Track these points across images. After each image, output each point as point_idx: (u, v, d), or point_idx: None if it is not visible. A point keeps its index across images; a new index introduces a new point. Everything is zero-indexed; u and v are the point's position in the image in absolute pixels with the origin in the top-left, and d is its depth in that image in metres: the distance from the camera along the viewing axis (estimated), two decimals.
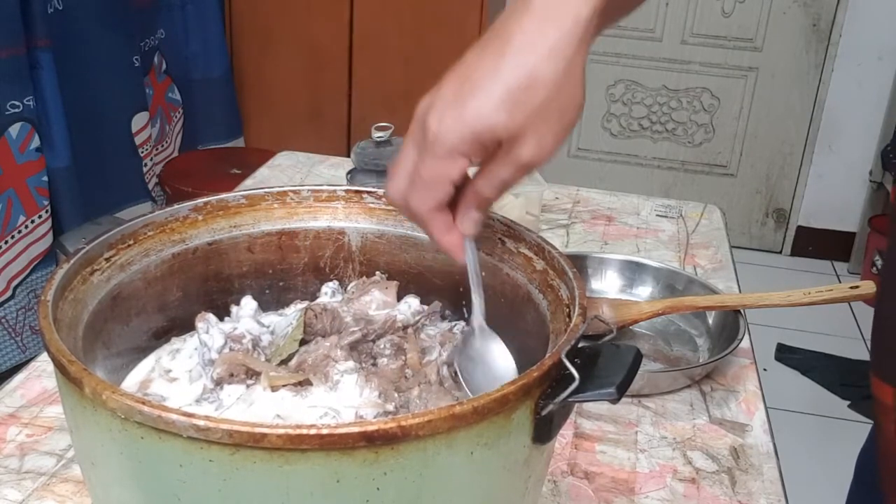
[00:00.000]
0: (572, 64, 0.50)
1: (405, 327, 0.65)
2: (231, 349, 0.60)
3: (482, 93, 0.50)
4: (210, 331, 0.62)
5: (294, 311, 0.67)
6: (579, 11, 0.50)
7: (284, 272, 0.69)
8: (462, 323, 0.67)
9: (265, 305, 0.68)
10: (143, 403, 0.42)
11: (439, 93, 0.52)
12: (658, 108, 3.20)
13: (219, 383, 0.57)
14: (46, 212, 2.13)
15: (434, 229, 0.56)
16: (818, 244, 3.23)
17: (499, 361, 0.58)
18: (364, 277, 0.70)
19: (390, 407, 0.55)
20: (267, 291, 0.69)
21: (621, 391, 0.47)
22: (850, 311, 2.82)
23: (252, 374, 0.58)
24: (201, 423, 0.41)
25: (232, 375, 0.58)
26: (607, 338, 0.52)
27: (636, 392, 0.85)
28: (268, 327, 0.64)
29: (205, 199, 0.66)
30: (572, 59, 0.50)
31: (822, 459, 2.14)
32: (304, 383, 0.57)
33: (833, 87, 3.02)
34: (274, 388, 0.55)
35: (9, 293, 2.08)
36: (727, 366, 0.91)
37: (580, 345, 0.50)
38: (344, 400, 0.55)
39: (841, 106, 3.04)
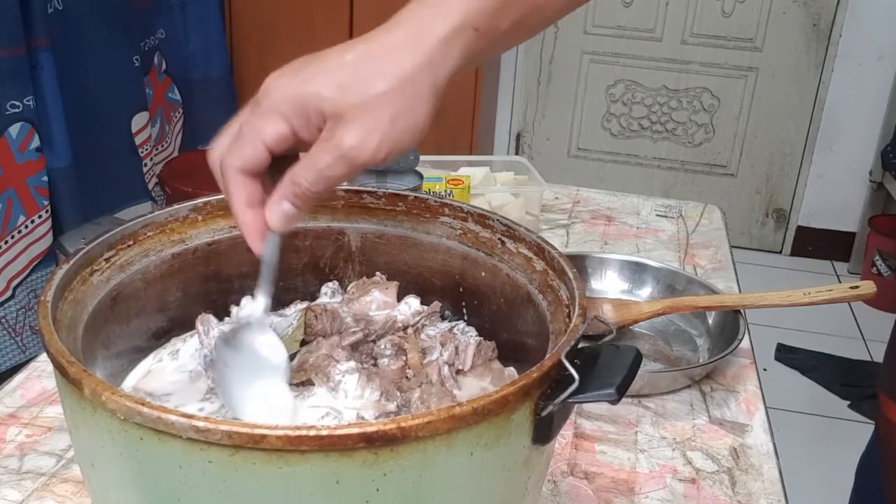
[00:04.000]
0: (418, 73, 0.48)
1: (405, 328, 0.65)
2: None
3: (322, 65, 0.49)
4: (210, 332, 0.62)
5: (294, 311, 0.67)
6: (436, 26, 0.49)
7: (284, 272, 0.69)
8: (462, 323, 0.68)
9: None
10: (143, 404, 0.42)
11: (289, 63, 0.51)
12: (658, 108, 3.20)
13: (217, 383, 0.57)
14: (46, 212, 2.13)
15: (233, 196, 0.50)
16: (818, 244, 3.23)
17: (265, 353, 0.54)
18: (364, 278, 0.70)
19: (392, 407, 0.55)
20: None
21: (621, 392, 0.47)
22: (850, 311, 2.82)
23: None
24: (201, 424, 0.41)
25: None
26: (607, 338, 0.52)
27: (636, 392, 0.85)
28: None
29: (205, 199, 0.66)
30: (419, 68, 0.48)
31: (822, 459, 2.14)
32: (305, 383, 0.57)
33: (833, 86, 3.02)
34: None
35: (9, 293, 2.08)
36: (727, 366, 0.91)
37: (580, 345, 0.50)
38: (346, 400, 0.55)
39: (841, 106, 3.03)
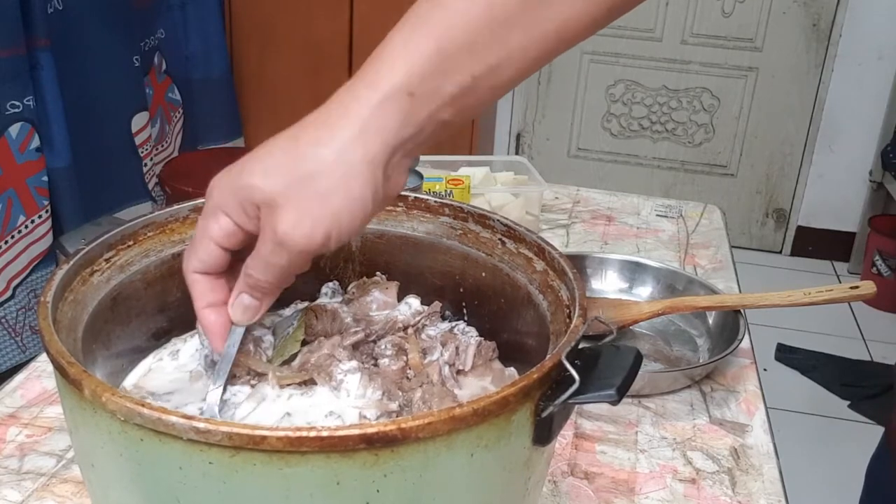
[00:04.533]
0: (348, 147, 0.46)
1: (406, 328, 0.65)
2: None
3: (255, 155, 0.48)
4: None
5: (294, 311, 0.67)
6: (368, 96, 0.47)
7: None
8: (462, 323, 0.67)
9: None
10: (143, 405, 0.42)
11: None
12: (658, 108, 3.20)
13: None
14: (46, 212, 2.13)
15: (194, 298, 0.52)
16: (818, 244, 3.23)
17: None
18: (364, 278, 0.70)
19: (394, 406, 0.55)
20: None
21: (621, 393, 0.47)
22: (850, 311, 2.82)
23: (255, 375, 0.58)
24: (201, 425, 0.41)
25: (235, 377, 0.58)
26: (607, 339, 0.52)
27: (636, 392, 0.85)
28: (268, 328, 0.64)
29: (205, 200, 0.66)
30: (349, 142, 0.46)
31: (822, 459, 2.14)
32: (308, 383, 0.57)
33: (833, 87, 3.02)
34: (282, 387, 0.56)
35: (9, 293, 2.08)
36: (727, 366, 0.91)
37: (580, 346, 0.50)
38: (348, 400, 0.55)
39: (841, 106, 3.03)
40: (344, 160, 0.46)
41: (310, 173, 0.46)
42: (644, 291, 1.04)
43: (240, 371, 0.58)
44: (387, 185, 0.49)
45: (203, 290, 0.52)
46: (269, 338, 0.63)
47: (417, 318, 0.65)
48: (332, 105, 0.48)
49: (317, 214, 0.46)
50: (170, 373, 0.62)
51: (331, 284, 0.70)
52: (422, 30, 0.48)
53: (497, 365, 0.64)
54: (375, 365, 0.61)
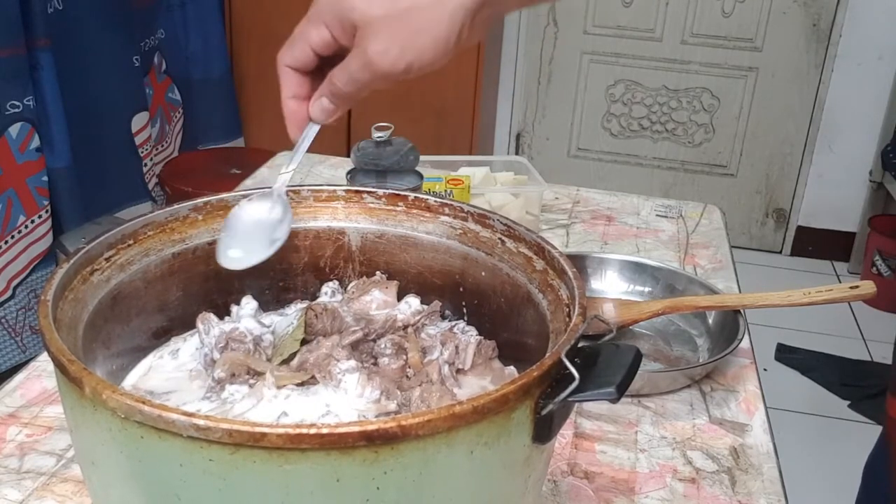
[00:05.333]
0: (448, 2, 0.51)
1: (405, 327, 0.65)
2: (232, 349, 0.60)
3: None
4: (211, 331, 0.62)
5: (294, 310, 0.67)
6: None
7: (284, 272, 0.69)
8: (462, 322, 0.68)
9: (265, 305, 0.68)
10: (143, 403, 0.42)
11: None
12: (658, 108, 3.20)
13: (220, 383, 0.57)
14: (46, 212, 2.13)
15: (283, 88, 0.57)
16: (818, 244, 3.23)
17: (272, 218, 0.59)
18: (364, 277, 0.70)
19: (393, 406, 0.55)
20: (267, 291, 0.69)
21: (621, 391, 0.47)
22: (850, 311, 2.82)
23: (254, 374, 0.58)
24: (201, 422, 0.41)
25: (234, 375, 0.58)
26: (607, 337, 0.52)
27: (636, 392, 0.85)
28: (269, 327, 0.64)
29: (205, 199, 0.66)
30: (456, 2, 0.51)
31: (822, 459, 2.14)
32: (307, 382, 0.57)
33: (833, 87, 3.02)
34: (279, 387, 0.56)
35: (9, 293, 2.08)
36: (727, 366, 0.91)
37: (580, 344, 0.50)
38: (347, 399, 0.55)
39: (841, 106, 3.03)
40: (442, 3, 0.51)
41: (408, 8, 0.51)
42: (644, 291, 1.04)
43: (239, 370, 0.59)
44: (470, 33, 0.53)
45: (291, 83, 0.57)
46: (268, 337, 0.63)
47: (417, 318, 0.65)
48: None
49: (405, 46, 0.52)
50: (169, 372, 0.62)
51: (331, 284, 0.70)
52: None
53: (497, 364, 0.64)
54: (375, 364, 0.61)
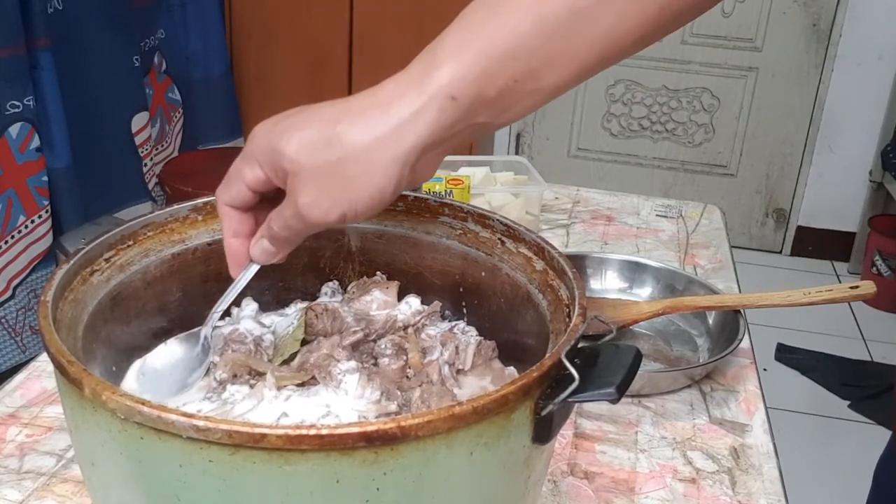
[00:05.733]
0: (379, 144, 0.49)
1: (406, 327, 0.65)
2: (233, 350, 0.60)
3: (296, 121, 0.51)
4: (214, 330, 0.62)
5: (295, 310, 0.67)
6: (408, 98, 0.49)
7: (284, 272, 0.69)
8: (462, 323, 0.68)
9: (265, 305, 0.68)
10: (143, 404, 0.42)
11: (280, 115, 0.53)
12: (658, 108, 3.20)
13: (222, 384, 0.57)
14: (46, 212, 2.13)
15: (223, 225, 0.57)
16: (818, 244, 3.23)
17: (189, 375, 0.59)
18: (364, 277, 0.70)
19: (393, 407, 0.55)
20: (267, 291, 0.69)
21: (621, 391, 0.47)
22: (850, 311, 2.82)
23: (255, 375, 0.58)
24: (201, 423, 0.41)
25: (235, 376, 0.58)
26: (607, 338, 0.52)
27: (636, 392, 0.85)
28: (269, 327, 0.64)
29: (205, 199, 0.66)
30: (382, 139, 0.49)
31: (822, 459, 2.14)
32: (307, 383, 0.57)
33: (833, 87, 3.02)
34: (280, 388, 0.56)
35: (9, 293, 2.08)
36: (727, 366, 0.91)
37: (580, 345, 0.50)
38: (347, 400, 0.55)
39: (841, 106, 3.03)
40: (373, 154, 0.49)
41: (339, 159, 0.49)
42: (644, 291, 1.04)
43: (240, 370, 0.58)
44: (412, 176, 0.51)
45: (231, 221, 0.56)
46: (269, 337, 0.63)
47: (417, 318, 0.65)
48: (377, 95, 0.50)
49: (336, 198, 0.50)
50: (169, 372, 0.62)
51: (331, 284, 0.70)
52: (471, 34, 0.49)
53: (497, 364, 0.64)
54: (375, 364, 0.61)
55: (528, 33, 0.49)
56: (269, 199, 0.55)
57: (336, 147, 0.49)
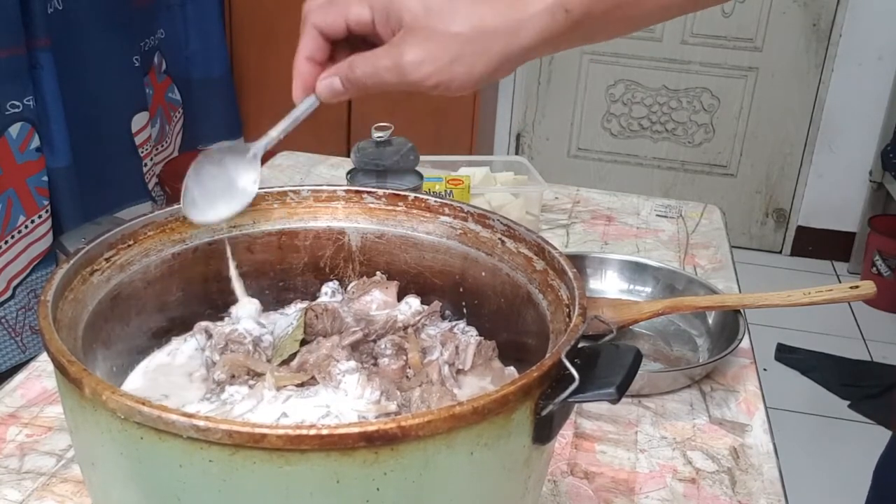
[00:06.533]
0: (495, 35, 0.51)
1: (405, 327, 0.65)
2: (231, 350, 0.60)
3: None
4: (215, 329, 0.62)
5: (294, 310, 0.67)
6: (531, 2, 0.51)
7: (284, 272, 0.69)
8: (462, 322, 0.68)
9: (265, 305, 0.68)
10: (143, 404, 0.42)
11: None
12: (658, 108, 3.20)
13: (220, 384, 0.57)
14: (46, 212, 2.13)
15: (301, 46, 0.56)
16: (818, 244, 3.23)
17: (241, 181, 0.58)
18: (364, 277, 0.70)
19: (393, 407, 0.55)
20: (267, 291, 0.69)
21: (621, 391, 0.47)
22: (850, 311, 2.82)
23: (254, 375, 0.58)
24: (201, 423, 0.41)
25: (234, 377, 0.58)
26: (607, 338, 0.52)
27: (636, 392, 0.85)
28: (268, 327, 0.64)
29: None
30: (498, 33, 0.51)
31: (822, 459, 2.14)
32: (307, 383, 0.57)
33: (833, 87, 3.02)
34: (279, 388, 0.56)
35: (9, 293, 2.08)
36: (727, 366, 0.91)
37: (580, 345, 0.50)
38: (347, 400, 0.55)
39: (841, 106, 3.03)
40: (489, 41, 0.51)
41: (455, 34, 0.51)
42: (644, 291, 1.04)
43: (238, 371, 0.58)
44: (499, 74, 0.53)
45: (311, 43, 0.55)
46: (268, 337, 0.63)
47: (417, 318, 0.65)
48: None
49: (440, 66, 0.51)
50: (169, 372, 0.62)
51: (331, 284, 0.70)
52: None
53: (497, 364, 0.64)
54: (375, 364, 0.61)
55: None
56: (349, 42, 0.55)
57: (460, 20, 0.50)
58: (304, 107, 0.57)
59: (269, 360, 0.61)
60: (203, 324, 0.63)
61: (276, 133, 0.58)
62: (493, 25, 0.51)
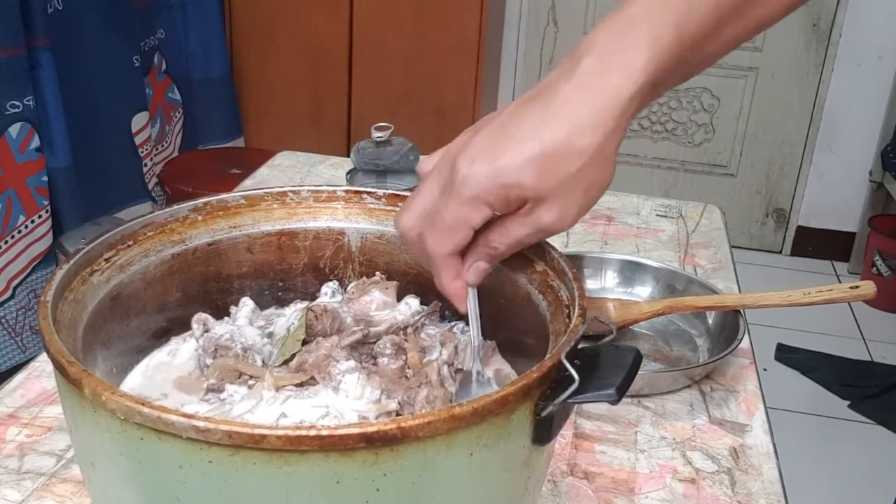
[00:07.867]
0: (608, 140, 0.50)
1: (405, 327, 0.65)
2: (221, 356, 0.60)
3: (518, 148, 0.50)
4: (205, 334, 0.62)
5: (294, 311, 0.67)
6: (622, 88, 0.50)
7: (284, 272, 0.69)
8: (462, 322, 0.67)
9: (265, 306, 0.68)
10: (143, 404, 0.42)
11: (475, 138, 0.52)
12: (658, 108, 3.20)
13: (210, 390, 0.58)
14: (46, 212, 2.13)
15: (444, 275, 0.56)
16: (818, 244, 3.23)
17: None
18: (364, 278, 0.70)
19: (393, 405, 0.55)
20: (266, 292, 0.69)
21: (621, 392, 0.47)
22: (850, 311, 2.82)
23: (248, 378, 0.58)
24: (201, 424, 0.41)
25: (222, 380, 0.58)
26: (607, 338, 0.52)
27: (636, 392, 0.85)
28: (262, 329, 0.64)
29: (205, 200, 0.66)
30: (609, 135, 0.50)
31: (822, 459, 2.14)
32: (306, 383, 0.57)
33: (833, 87, 3.02)
34: (278, 389, 0.56)
35: (9, 293, 2.08)
36: (727, 366, 0.91)
37: (580, 346, 0.50)
38: (346, 400, 0.55)
39: (841, 106, 3.03)
40: (604, 154, 0.51)
41: (578, 170, 0.50)
42: (644, 291, 1.04)
43: (229, 376, 0.59)
44: None
45: (452, 268, 0.56)
46: (259, 339, 0.63)
47: (417, 318, 0.65)
48: (582, 86, 0.51)
49: (581, 204, 0.52)
50: (169, 372, 0.62)
51: (331, 284, 0.70)
52: (664, 17, 0.52)
53: (496, 364, 0.64)
54: (374, 364, 0.61)
55: (708, 17, 0.54)
56: None
57: (573, 157, 0.50)
58: (473, 303, 0.58)
59: (263, 363, 0.61)
60: (202, 315, 0.63)
61: (477, 343, 0.59)
62: (600, 136, 0.50)
